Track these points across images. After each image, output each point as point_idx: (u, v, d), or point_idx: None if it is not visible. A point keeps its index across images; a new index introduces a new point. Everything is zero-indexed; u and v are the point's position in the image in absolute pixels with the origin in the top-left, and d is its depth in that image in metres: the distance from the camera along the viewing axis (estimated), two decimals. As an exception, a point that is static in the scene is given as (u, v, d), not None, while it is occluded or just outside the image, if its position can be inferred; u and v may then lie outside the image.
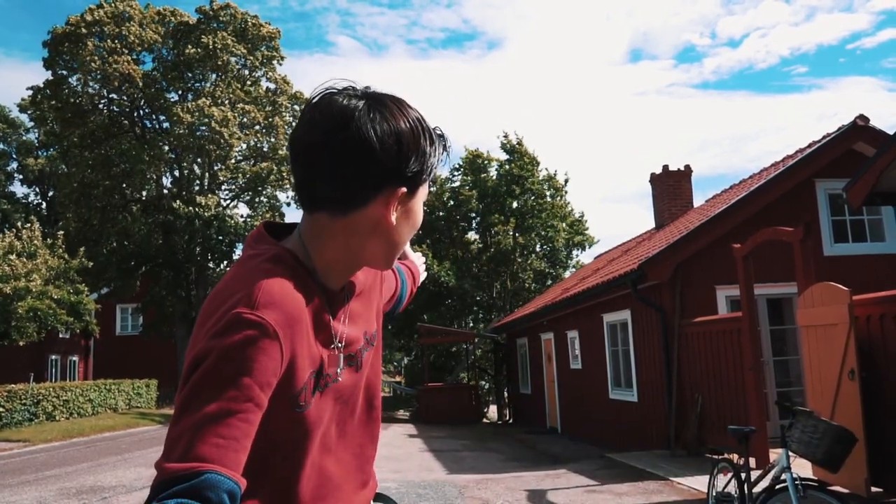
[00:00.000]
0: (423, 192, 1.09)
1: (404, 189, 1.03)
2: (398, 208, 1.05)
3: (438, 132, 1.09)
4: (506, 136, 29.65)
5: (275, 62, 31.28)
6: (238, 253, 31.37)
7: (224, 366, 0.88)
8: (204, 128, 27.59)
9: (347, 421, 1.14)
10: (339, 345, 1.09)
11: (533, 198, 28.57)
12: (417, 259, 1.76)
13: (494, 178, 29.27)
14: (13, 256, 19.81)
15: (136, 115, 30.11)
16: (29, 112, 30.66)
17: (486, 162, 29.69)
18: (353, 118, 0.98)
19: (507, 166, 29.04)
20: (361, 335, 1.15)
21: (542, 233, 28.39)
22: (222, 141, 27.32)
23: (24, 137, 42.04)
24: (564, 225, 29.15)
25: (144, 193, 30.11)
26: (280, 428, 1.00)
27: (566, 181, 30.19)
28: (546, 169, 30.02)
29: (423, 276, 1.78)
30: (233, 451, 0.85)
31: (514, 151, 29.25)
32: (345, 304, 1.12)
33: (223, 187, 31.39)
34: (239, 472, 0.86)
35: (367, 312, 1.19)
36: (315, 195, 1.02)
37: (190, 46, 28.60)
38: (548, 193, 29.33)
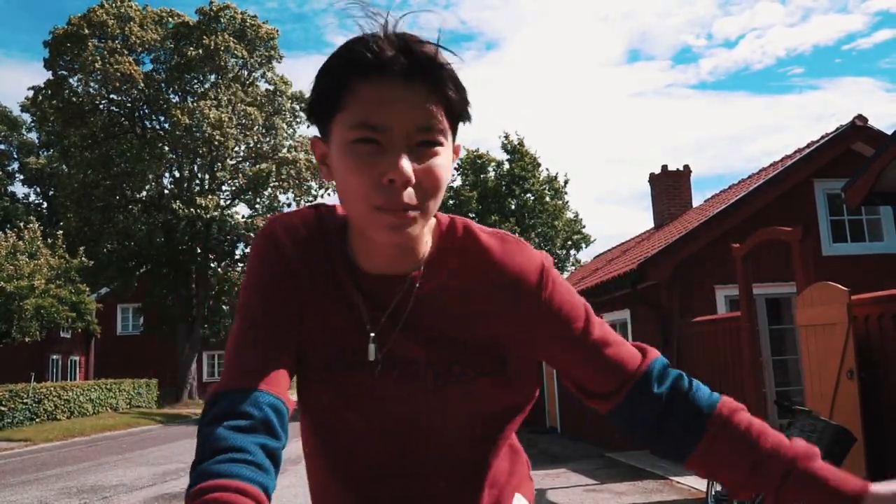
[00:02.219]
0: (338, 133, 0.87)
1: (317, 135, 0.93)
2: (327, 156, 0.91)
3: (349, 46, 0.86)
4: (507, 137, 29.67)
5: (273, 62, 31.31)
6: (238, 253, 31.44)
7: (242, 295, 0.95)
8: (202, 129, 27.62)
9: (407, 442, 0.98)
10: (367, 327, 0.95)
11: (533, 198, 28.59)
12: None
13: (494, 178, 29.29)
14: (19, 255, 19.88)
15: (136, 115, 30.14)
16: (31, 112, 30.68)
17: (486, 162, 29.70)
18: None
19: (507, 166, 29.06)
20: (434, 355, 0.95)
21: (542, 231, 28.43)
22: (216, 142, 27.33)
23: (24, 137, 42.07)
24: (561, 224, 29.19)
25: (145, 193, 30.14)
26: (312, 391, 0.97)
27: (566, 182, 30.23)
28: (547, 170, 30.08)
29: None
30: (266, 370, 0.87)
31: (515, 151, 29.26)
32: (390, 297, 0.94)
33: (223, 188, 31.42)
34: (279, 388, 0.86)
35: (455, 328, 0.95)
36: None
37: (191, 48, 28.63)
38: (548, 195, 29.35)
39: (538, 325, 0.96)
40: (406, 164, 0.82)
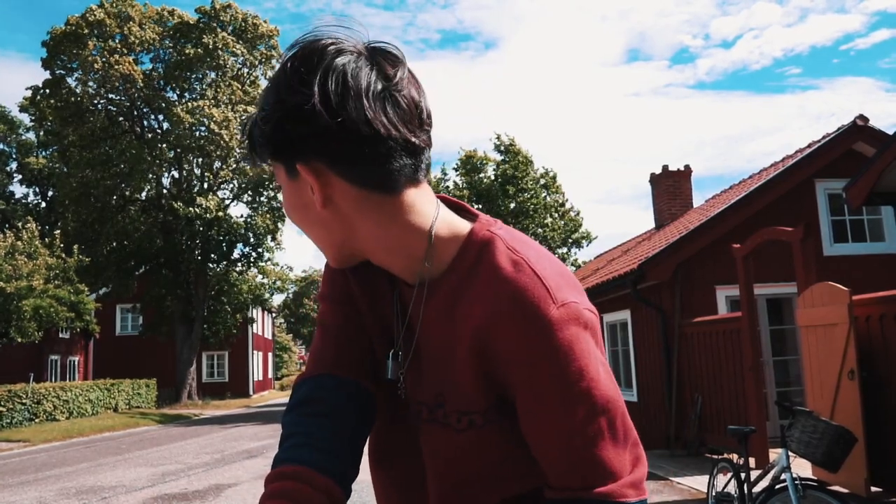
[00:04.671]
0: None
1: None
2: None
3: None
4: (498, 137, 29.82)
5: (273, 61, 31.29)
6: (237, 253, 31.43)
7: (319, 305, 1.01)
8: (203, 128, 27.59)
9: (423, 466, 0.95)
10: (399, 337, 0.93)
11: (529, 196, 28.63)
12: None
13: (490, 177, 29.39)
14: (17, 256, 19.87)
15: (134, 114, 30.11)
16: (30, 112, 30.64)
17: (481, 162, 29.82)
18: None
19: (501, 166, 29.14)
20: (426, 387, 0.91)
21: (539, 231, 28.46)
22: (222, 142, 27.30)
23: (23, 137, 42.03)
24: (562, 222, 29.22)
25: (144, 194, 30.10)
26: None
27: (554, 176, 30.23)
28: (543, 167, 30.18)
29: None
30: (343, 359, 0.92)
31: (508, 151, 29.38)
32: (406, 307, 0.92)
33: (223, 187, 31.39)
34: (358, 375, 0.91)
35: (450, 361, 0.87)
36: None
37: (189, 46, 28.60)
38: (544, 192, 29.40)
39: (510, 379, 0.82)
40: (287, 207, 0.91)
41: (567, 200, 30.21)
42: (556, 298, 0.79)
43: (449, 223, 0.87)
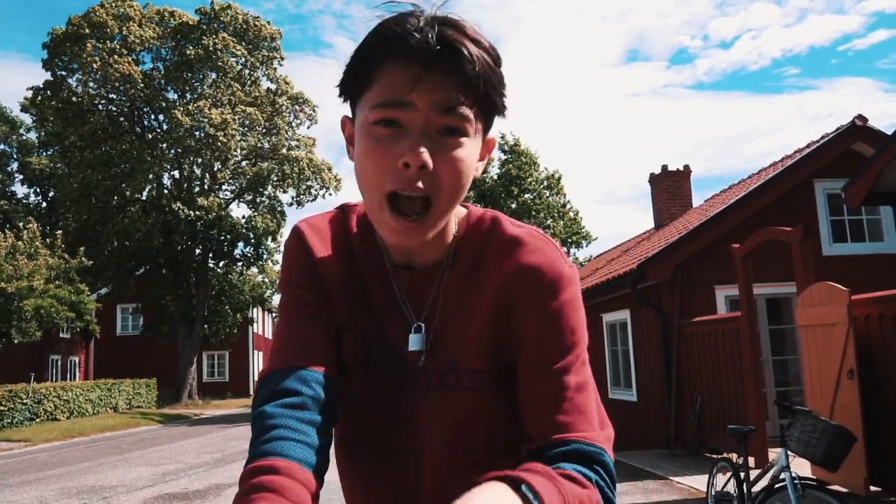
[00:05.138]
0: (361, 113, 0.84)
1: (347, 114, 0.91)
2: (354, 138, 0.88)
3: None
4: (502, 137, 29.72)
5: (275, 63, 31.26)
6: (237, 252, 31.45)
7: (281, 294, 0.95)
8: (203, 130, 27.58)
9: (406, 450, 0.96)
10: (411, 315, 0.93)
11: (532, 197, 28.61)
12: None
13: (493, 177, 29.34)
14: (18, 256, 19.88)
15: (135, 115, 30.11)
16: (31, 112, 30.66)
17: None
18: None
19: (506, 166, 29.09)
20: (438, 355, 0.93)
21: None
22: (219, 143, 27.28)
23: (24, 137, 42.03)
24: (562, 223, 29.21)
25: (144, 194, 30.10)
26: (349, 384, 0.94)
27: (559, 178, 30.22)
28: (546, 168, 30.14)
29: None
30: (309, 352, 0.87)
31: (512, 151, 29.31)
32: (414, 289, 0.93)
33: (223, 187, 31.38)
34: (326, 367, 0.86)
35: (465, 326, 0.91)
36: None
37: (190, 47, 28.60)
38: (547, 193, 29.40)
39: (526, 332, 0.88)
40: (423, 148, 0.78)
41: (568, 202, 30.27)
42: (566, 259, 0.90)
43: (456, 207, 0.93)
